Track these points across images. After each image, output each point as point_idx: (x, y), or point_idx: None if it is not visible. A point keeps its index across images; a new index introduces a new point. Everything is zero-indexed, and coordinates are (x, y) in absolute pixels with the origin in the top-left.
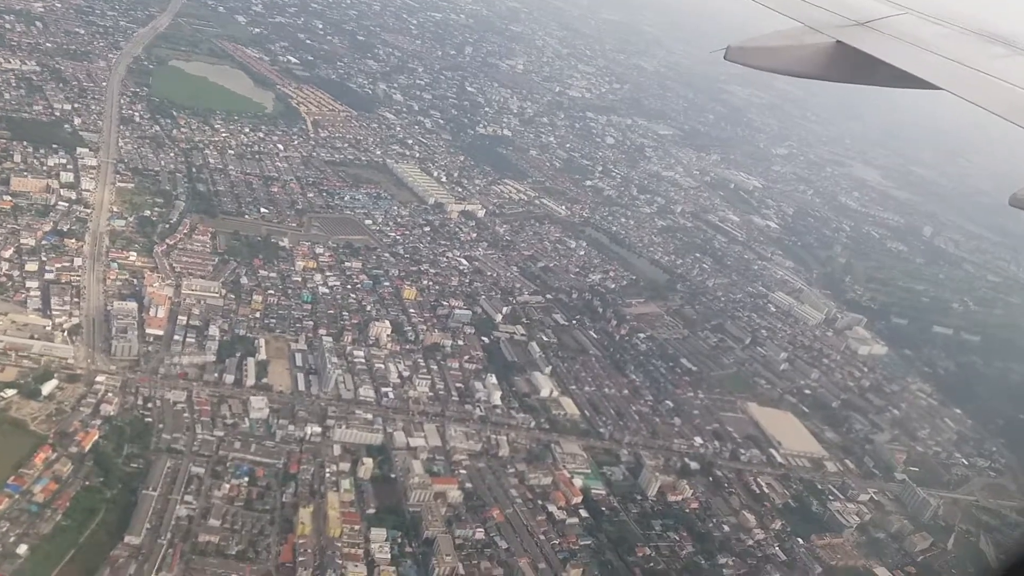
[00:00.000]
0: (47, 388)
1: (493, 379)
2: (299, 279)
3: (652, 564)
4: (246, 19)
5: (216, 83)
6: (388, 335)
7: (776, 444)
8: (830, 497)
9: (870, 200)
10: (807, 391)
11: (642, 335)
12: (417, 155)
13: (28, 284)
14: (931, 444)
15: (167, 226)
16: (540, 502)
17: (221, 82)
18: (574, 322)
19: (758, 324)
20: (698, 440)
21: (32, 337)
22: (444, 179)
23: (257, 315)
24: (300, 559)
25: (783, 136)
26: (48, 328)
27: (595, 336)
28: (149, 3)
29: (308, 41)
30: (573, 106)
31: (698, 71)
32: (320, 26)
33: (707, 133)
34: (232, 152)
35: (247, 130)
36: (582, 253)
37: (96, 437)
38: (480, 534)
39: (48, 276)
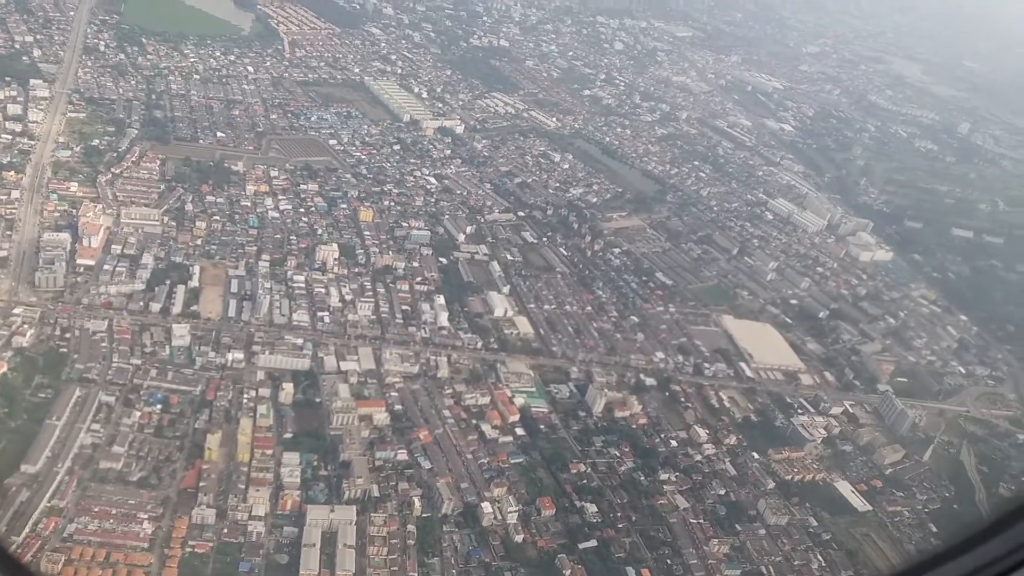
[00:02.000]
0: None
1: (441, 300)
2: (248, 204)
3: (586, 481)
4: None
5: (193, 7)
6: (335, 258)
7: (747, 357)
8: (799, 411)
9: (904, 98)
10: (793, 301)
11: (617, 250)
12: (399, 71)
13: None
14: (925, 354)
15: (115, 155)
16: (474, 422)
17: (199, 5)
18: (544, 239)
19: (751, 233)
20: (659, 355)
21: None
22: (425, 95)
23: (198, 242)
24: (202, 484)
25: (817, 33)
26: None
27: (565, 253)
28: None
29: None
30: (583, 10)
31: None
32: None
33: (731, 33)
34: (198, 77)
35: (218, 54)
36: (566, 167)
37: (4, 369)
38: (403, 455)
39: None
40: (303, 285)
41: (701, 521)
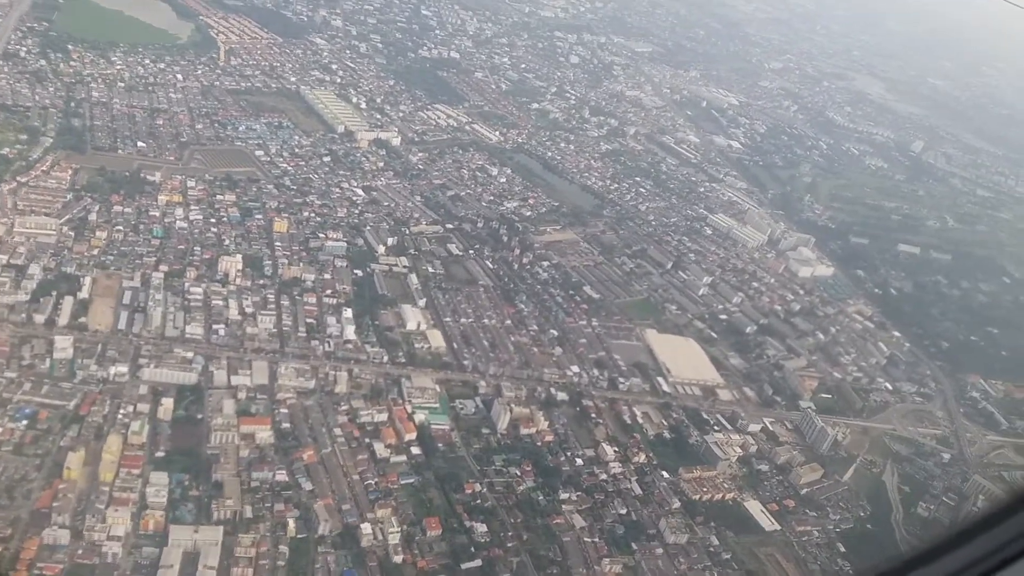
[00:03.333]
0: None
1: (349, 313)
2: (157, 214)
3: (479, 500)
4: None
5: (132, 16)
6: (238, 270)
7: (666, 372)
8: (715, 428)
9: (863, 115)
10: (723, 316)
11: (547, 263)
12: (339, 81)
13: None
14: (852, 370)
15: (24, 163)
16: (367, 440)
17: (138, 15)
18: (471, 252)
19: (688, 248)
20: (574, 369)
21: None
22: (364, 106)
23: (95, 252)
24: (56, 504)
25: (782, 50)
26: None
27: (491, 266)
28: None
29: None
30: (542, 26)
31: None
32: None
33: (693, 49)
34: (123, 85)
35: (147, 62)
36: (503, 181)
37: None
38: (282, 476)
39: None
40: (200, 297)
41: (596, 540)
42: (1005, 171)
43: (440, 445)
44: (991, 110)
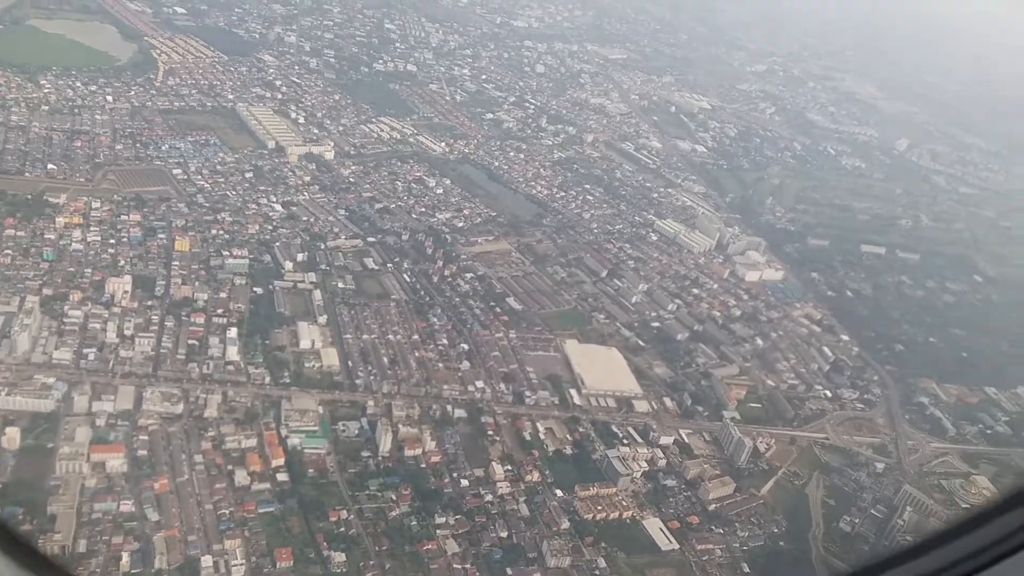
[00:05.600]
0: None
1: (232, 333)
2: (53, 236)
3: (344, 528)
4: None
5: (73, 40)
6: (125, 291)
7: (580, 384)
8: (624, 441)
9: (847, 115)
10: (655, 324)
11: (471, 275)
12: (280, 97)
13: None
14: (788, 377)
15: None
16: (230, 467)
17: (80, 38)
18: (390, 266)
19: (628, 255)
20: (478, 384)
21: None
22: (302, 121)
23: None
24: None
25: (768, 53)
26: None
27: (409, 279)
28: None
29: None
30: (512, 36)
31: None
32: None
33: (671, 55)
34: (47, 108)
35: (79, 84)
36: (440, 192)
37: None
38: (128, 507)
39: None
40: (78, 320)
41: (468, 566)
42: (994, 167)
43: (311, 471)
44: (989, 105)
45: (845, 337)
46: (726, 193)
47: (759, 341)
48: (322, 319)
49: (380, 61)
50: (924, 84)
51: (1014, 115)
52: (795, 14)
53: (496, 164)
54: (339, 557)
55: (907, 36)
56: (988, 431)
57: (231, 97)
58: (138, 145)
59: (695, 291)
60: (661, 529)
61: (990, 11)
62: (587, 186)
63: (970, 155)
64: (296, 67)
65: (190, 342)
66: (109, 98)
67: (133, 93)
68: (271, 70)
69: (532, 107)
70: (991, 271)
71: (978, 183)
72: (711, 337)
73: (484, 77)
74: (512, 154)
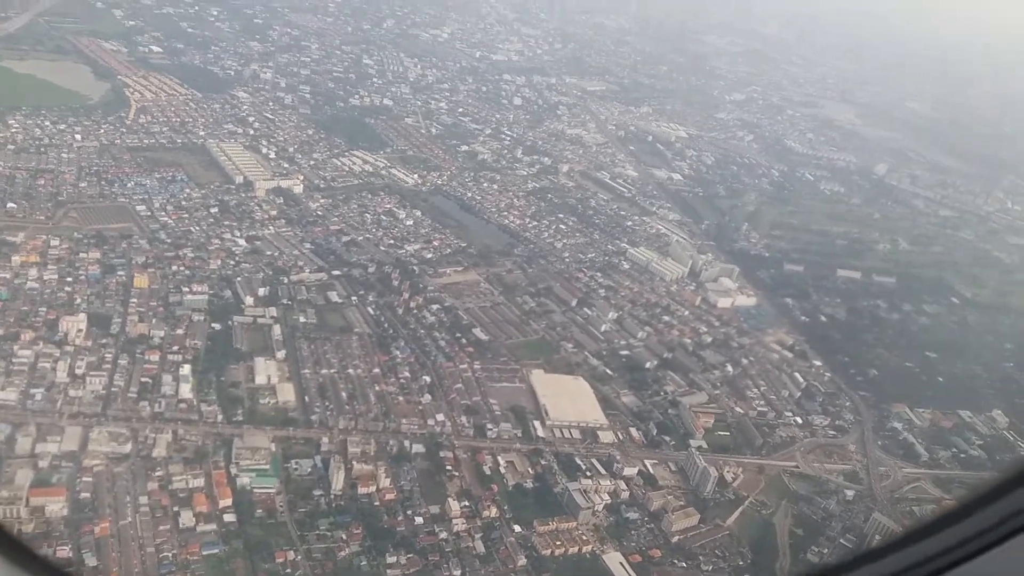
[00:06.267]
0: None
1: (186, 370)
2: (8, 276)
3: (291, 570)
4: (125, 12)
5: (44, 80)
6: (79, 330)
7: (544, 415)
8: (587, 473)
9: (826, 141)
10: (624, 352)
11: (437, 306)
12: (252, 133)
13: None
14: (758, 404)
15: None
16: (176, 509)
17: (52, 78)
18: (354, 299)
19: (600, 283)
20: (439, 418)
21: None
22: (273, 155)
23: None
24: None
25: (748, 82)
26: None
27: (372, 312)
28: (10, 4)
29: (190, 29)
30: (492, 70)
31: (671, 24)
32: (215, 12)
33: (651, 86)
34: (12, 147)
35: (47, 123)
36: (410, 223)
37: None
38: (64, 552)
39: None
40: (27, 360)
41: None
42: (975, 190)
43: (260, 511)
44: (971, 129)
45: (818, 363)
46: (701, 220)
47: (729, 368)
48: (280, 354)
49: (356, 96)
50: (905, 109)
51: (994, 137)
52: (775, 40)
53: (469, 195)
54: None
55: (890, 63)
56: (962, 455)
57: (202, 134)
58: (103, 182)
59: (666, 318)
60: (621, 563)
61: (971, 36)
62: (560, 215)
63: (950, 178)
64: (270, 103)
65: (143, 380)
66: (78, 136)
67: (103, 131)
68: (245, 106)
69: (508, 139)
70: (968, 293)
71: (958, 205)
72: (680, 365)
73: (461, 110)
74: (486, 185)
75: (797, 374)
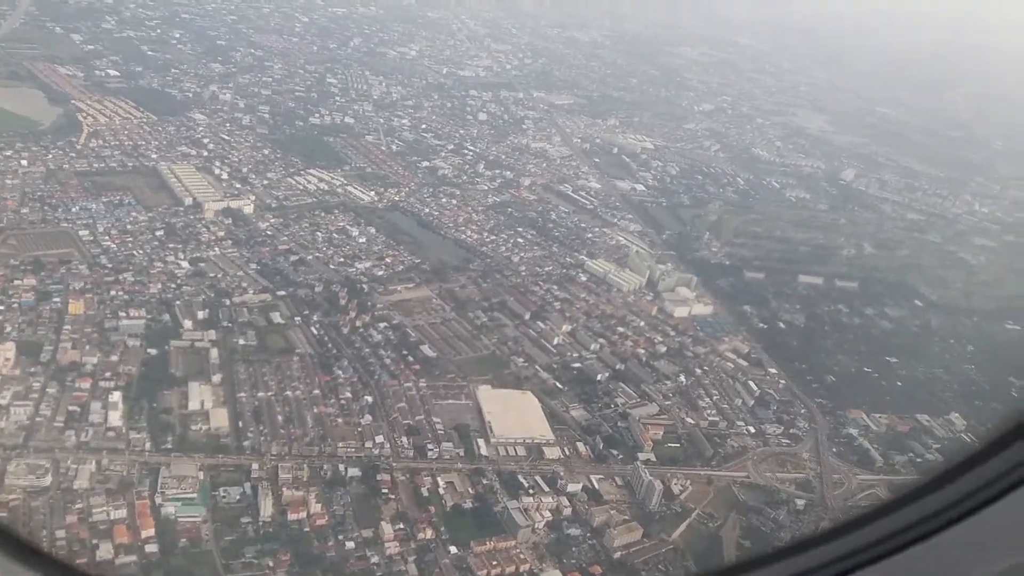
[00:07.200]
0: None
1: (116, 397)
2: None
3: None
4: (84, 37)
5: None
6: (6, 359)
7: (489, 432)
8: (530, 491)
9: (794, 148)
10: (576, 365)
11: (384, 324)
12: (206, 155)
13: None
14: (710, 414)
15: None
16: (95, 542)
17: (3, 104)
18: (298, 319)
19: (555, 296)
20: (378, 439)
21: None
22: (225, 176)
23: None
24: None
25: (718, 92)
26: None
27: (316, 332)
28: None
29: (150, 52)
30: (458, 86)
31: (644, 37)
32: (177, 35)
33: (619, 98)
34: None
35: None
36: (363, 241)
37: None
38: None
39: None
40: None
41: None
42: (944, 192)
43: (183, 540)
44: (942, 133)
45: (773, 371)
46: (663, 230)
47: (682, 378)
48: (216, 378)
49: (317, 115)
50: (875, 116)
51: (965, 140)
52: (749, 51)
53: (427, 211)
54: None
55: (865, 71)
56: (918, 460)
57: (155, 156)
58: (46, 208)
59: (620, 330)
60: None
61: (953, 38)
62: (519, 229)
63: (919, 182)
64: (227, 124)
65: (71, 408)
66: (24, 162)
67: (51, 156)
68: (200, 128)
69: (471, 154)
70: (933, 296)
71: (926, 208)
72: (633, 376)
73: (424, 127)
74: (444, 200)
75: (751, 382)
